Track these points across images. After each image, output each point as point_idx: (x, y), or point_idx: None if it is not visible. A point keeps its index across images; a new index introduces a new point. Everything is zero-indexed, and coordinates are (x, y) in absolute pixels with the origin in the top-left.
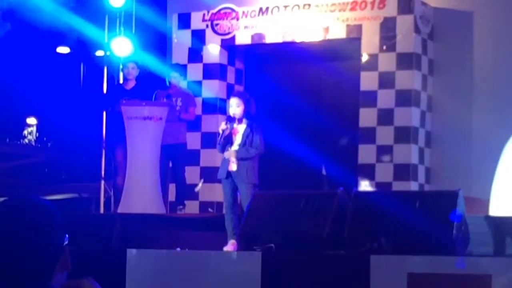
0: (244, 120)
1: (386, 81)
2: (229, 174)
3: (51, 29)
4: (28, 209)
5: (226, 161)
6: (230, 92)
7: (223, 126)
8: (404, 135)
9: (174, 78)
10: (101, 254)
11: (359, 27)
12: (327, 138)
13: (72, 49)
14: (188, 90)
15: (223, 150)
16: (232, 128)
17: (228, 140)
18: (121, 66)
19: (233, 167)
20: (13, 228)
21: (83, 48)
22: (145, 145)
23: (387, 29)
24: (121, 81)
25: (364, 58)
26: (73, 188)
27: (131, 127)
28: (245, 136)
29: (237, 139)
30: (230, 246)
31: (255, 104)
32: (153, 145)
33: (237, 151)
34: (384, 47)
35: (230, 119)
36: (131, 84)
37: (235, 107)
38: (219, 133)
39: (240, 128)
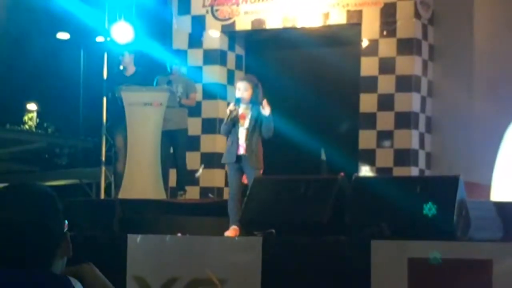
0: (251, 106)
1: (386, 66)
2: (238, 158)
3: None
4: (29, 195)
5: (234, 145)
6: (231, 77)
7: (231, 107)
8: (405, 120)
9: (175, 64)
10: (102, 239)
11: (359, 13)
12: (327, 123)
13: (72, 35)
14: (189, 76)
15: (228, 132)
16: (239, 111)
17: (235, 123)
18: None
19: (241, 150)
20: (14, 214)
21: (83, 34)
22: (145, 131)
23: (388, 14)
24: (121, 68)
25: (364, 43)
26: (74, 174)
27: (131, 113)
28: (253, 121)
29: (244, 123)
30: (232, 231)
31: (262, 90)
32: (153, 130)
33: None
34: (385, 33)
35: (238, 101)
36: (131, 70)
37: (242, 90)
38: (222, 120)
39: (247, 113)
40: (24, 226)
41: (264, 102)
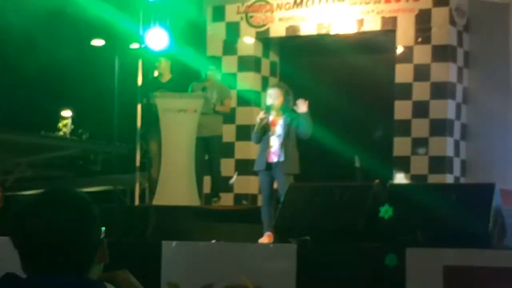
0: (282, 113)
1: (421, 73)
2: (268, 165)
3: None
4: (67, 201)
5: (264, 153)
6: (265, 84)
7: (261, 115)
8: (440, 127)
9: (210, 70)
10: (136, 246)
11: (394, 19)
12: (362, 130)
13: (107, 42)
14: (223, 83)
15: (259, 140)
16: (270, 118)
17: (266, 130)
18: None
19: (273, 158)
20: (52, 220)
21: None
22: (180, 137)
23: (422, 21)
24: (155, 74)
25: (399, 50)
26: (108, 180)
27: (166, 119)
28: (287, 127)
29: (276, 131)
30: (266, 238)
31: (293, 96)
32: (188, 137)
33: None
34: (419, 39)
35: (269, 109)
36: (166, 77)
37: (274, 97)
38: (255, 124)
39: (278, 120)
40: (63, 232)
41: (300, 100)
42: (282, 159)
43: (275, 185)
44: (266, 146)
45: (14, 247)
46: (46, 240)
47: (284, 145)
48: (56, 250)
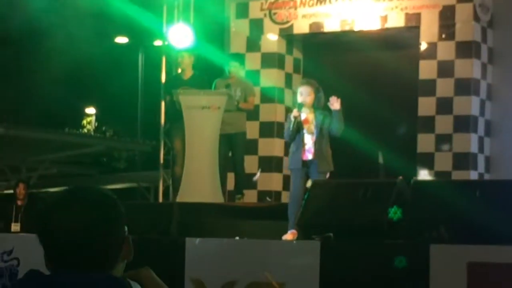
0: (311, 109)
1: (445, 69)
2: (303, 163)
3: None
4: (93, 198)
5: (299, 151)
6: (289, 81)
7: (295, 113)
8: (464, 124)
9: (234, 67)
10: (160, 243)
11: (417, 16)
12: (385, 127)
13: (131, 39)
14: (247, 79)
15: (294, 138)
16: (302, 116)
17: (299, 129)
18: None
19: (308, 155)
20: (78, 217)
21: (142, 38)
22: (203, 134)
23: (446, 17)
24: (179, 71)
25: (423, 46)
26: (132, 177)
27: (189, 116)
28: (319, 125)
29: (309, 128)
30: (290, 235)
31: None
32: (211, 134)
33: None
34: (443, 36)
35: (301, 107)
36: (188, 74)
37: (305, 95)
38: (281, 124)
39: (310, 118)
40: (88, 229)
41: (333, 98)
42: (314, 157)
43: (308, 183)
44: (301, 144)
45: (40, 243)
46: (71, 237)
47: (318, 143)
48: (81, 247)
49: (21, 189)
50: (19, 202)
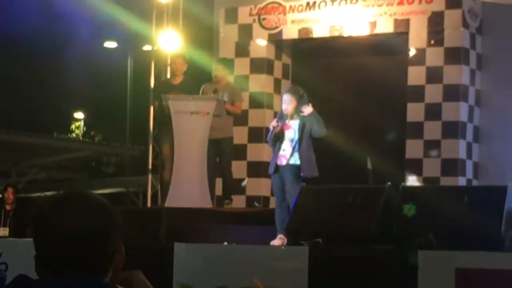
0: (296, 116)
1: (433, 75)
2: (277, 168)
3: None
4: (89, 204)
5: (275, 156)
6: (277, 86)
7: (273, 123)
8: (452, 130)
9: (218, 71)
10: (148, 248)
11: (406, 22)
12: (374, 132)
13: (120, 44)
14: (235, 85)
15: (274, 145)
16: (283, 124)
17: (279, 137)
18: (168, 61)
19: (283, 161)
20: (74, 223)
21: (131, 43)
22: (192, 139)
23: (435, 23)
24: (168, 76)
25: (412, 52)
26: (121, 182)
27: (178, 121)
28: (300, 130)
29: (289, 135)
30: (278, 240)
31: (307, 100)
32: (200, 139)
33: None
34: (432, 42)
35: (280, 115)
36: (178, 79)
37: (287, 103)
38: (269, 129)
39: (292, 124)
40: (84, 234)
41: (302, 105)
42: (297, 162)
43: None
44: (278, 150)
45: (35, 248)
46: (67, 242)
47: (301, 148)
48: (76, 252)
49: (9, 194)
50: (7, 207)
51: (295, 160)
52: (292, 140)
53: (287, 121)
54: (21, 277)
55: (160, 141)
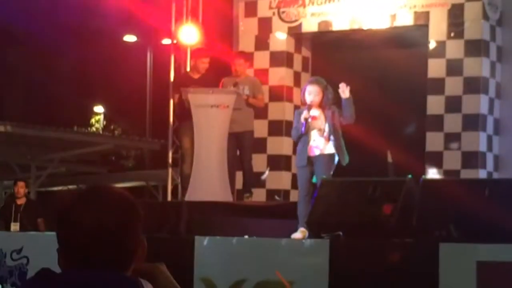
0: (320, 108)
1: (454, 68)
2: (309, 160)
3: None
4: (114, 198)
5: (305, 148)
6: (297, 80)
7: (306, 115)
8: (473, 122)
9: (240, 65)
10: (169, 241)
11: (426, 14)
12: (394, 125)
13: (139, 37)
14: (255, 78)
15: (299, 138)
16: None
17: (307, 129)
18: (188, 55)
19: (315, 151)
20: (100, 216)
21: (150, 36)
22: (212, 133)
23: (455, 15)
24: (188, 69)
25: (432, 45)
26: (141, 176)
27: (198, 115)
28: (330, 123)
29: (316, 125)
30: (299, 233)
31: (332, 91)
32: (220, 132)
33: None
34: (452, 34)
35: (309, 107)
36: (199, 73)
37: (314, 94)
38: (288, 122)
39: (316, 113)
40: (108, 228)
41: (342, 84)
42: (331, 151)
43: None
44: (307, 141)
45: (57, 241)
46: (90, 236)
47: (335, 138)
48: (99, 246)
49: (19, 188)
50: (18, 202)
51: (330, 149)
52: (321, 130)
53: (314, 112)
54: (44, 270)
55: (180, 134)
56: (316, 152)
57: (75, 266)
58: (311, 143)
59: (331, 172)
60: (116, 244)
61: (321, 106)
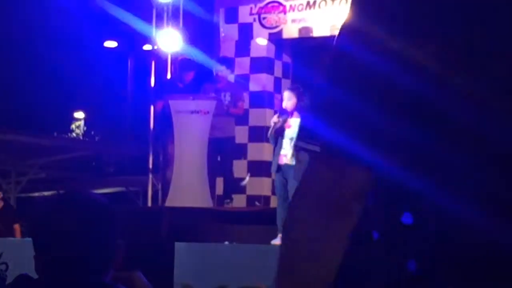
0: (296, 114)
1: None
2: (279, 167)
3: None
4: (89, 203)
5: (276, 155)
6: (278, 85)
7: (275, 118)
8: None
9: (221, 71)
10: (149, 247)
11: None
12: None
13: (120, 43)
14: (236, 84)
15: (275, 143)
16: (284, 121)
17: (279, 133)
18: (169, 61)
19: (284, 160)
20: (73, 222)
21: (131, 42)
22: (192, 139)
23: None
24: (168, 76)
25: None
26: (121, 181)
27: (178, 120)
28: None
29: (289, 133)
30: (279, 239)
31: (308, 98)
32: (200, 138)
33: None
34: None
35: (282, 112)
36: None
37: (286, 100)
38: (270, 126)
39: (293, 122)
40: (83, 234)
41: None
42: (293, 162)
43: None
44: (280, 149)
45: (34, 248)
46: (65, 242)
47: (295, 148)
48: (75, 252)
49: None
50: None
51: (292, 160)
52: (292, 139)
53: (289, 119)
54: (22, 276)
55: (165, 140)
56: (284, 160)
57: (52, 272)
58: (282, 151)
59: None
60: (93, 250)
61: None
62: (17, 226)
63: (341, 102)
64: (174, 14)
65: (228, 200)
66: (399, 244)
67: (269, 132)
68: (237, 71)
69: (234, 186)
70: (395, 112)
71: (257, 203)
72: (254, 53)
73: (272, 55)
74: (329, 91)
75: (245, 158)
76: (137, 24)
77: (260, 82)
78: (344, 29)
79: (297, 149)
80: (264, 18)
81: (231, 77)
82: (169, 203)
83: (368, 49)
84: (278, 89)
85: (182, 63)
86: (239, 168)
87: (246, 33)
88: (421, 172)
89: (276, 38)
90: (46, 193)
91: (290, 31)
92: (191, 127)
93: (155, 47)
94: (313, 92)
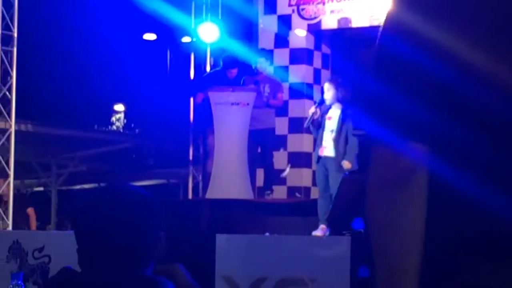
0: (337, 105)
1: None
2: (320, 158)
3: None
4: (131, 196)
5: (317, 147)
6: (317, 77)
7: (312, 109)
8: None
9: (261, 64)
10: (190, 239)
11: None
12: None
13: (159, 36)
14: (275, 76)
15: (315, 134)
16: (323, 112)
17: (319, 124)
18: (208, 53)
19: (324, 152)
20: (115, 215)
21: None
22: (232, 131)
23: None
24: (208, 68)
25: None
26: (161, 174)
27: (218, 113)
28: (340, 122)
29: (329, 125)
30: (320, 231)
31: (348, 89)
32: (240, 130)
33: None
34: None
35: (321, 103)
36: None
37: (325, 91)
38: (307, 117)
39: (333, 114)
40: (124, 227)
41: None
42: (334, 154)
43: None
44: (319, 141)
45: (76, 240)
46: (107, 235)
47: (336, 140)
48: (116, 245)
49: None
50: None
51: (330, 152)
52: (332, 131)
53: (331, 110)
54: (65, 269)
55: (206, 132)
56: (324, 152)
57: (95, 265)
58: (323, 142)
59: (342, 173)
60: (134, 243)
61: (338, 102)
62: (30, 210)
63: (386, 99)
64: (213, 6)
65: (269, 192)
66: None
67: (306, 122)
68: (276, 63)
69: (274, 177)
70: (441, 109)
71: (297, 194)
72: (293, 44)
73: (311, 46)
74: (374, 86)
75: (285, 149)
76: (176, 16)
77: (300, 73)
78: (388, 22)
79: (337, 141)
80: (303, 9)
81: (270, 69)
82: (209, 195)
83: (414, 46)
84: (317, 80)
85: (225, 60)
86: (279, 159)
87: (285, 24)
88: (469, 171)
89: (315, 29)
90: (86, 186)
91: (329, 22)
92: (231, 119)
93: (194, 40)
94: (356, 87)
